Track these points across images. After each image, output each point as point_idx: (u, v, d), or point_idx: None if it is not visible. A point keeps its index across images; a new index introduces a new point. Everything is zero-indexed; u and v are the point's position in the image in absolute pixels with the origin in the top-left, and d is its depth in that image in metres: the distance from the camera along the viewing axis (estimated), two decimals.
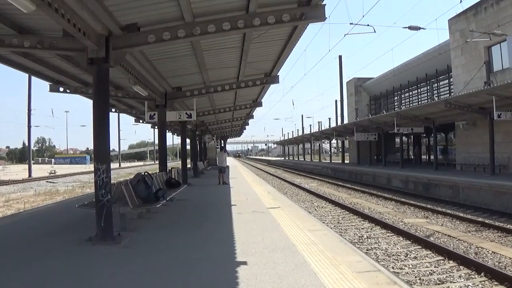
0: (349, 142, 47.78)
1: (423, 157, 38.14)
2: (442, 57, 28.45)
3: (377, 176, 27.13)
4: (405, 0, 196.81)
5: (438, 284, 6.70)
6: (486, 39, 21.41)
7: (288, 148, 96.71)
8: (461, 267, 7.49)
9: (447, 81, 31.89)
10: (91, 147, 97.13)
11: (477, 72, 23.61)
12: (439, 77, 32.93)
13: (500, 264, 7.72)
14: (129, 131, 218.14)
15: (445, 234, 10.41)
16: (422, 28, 20.25)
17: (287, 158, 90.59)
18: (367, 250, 8.95)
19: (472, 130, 24.16)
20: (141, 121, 24.67)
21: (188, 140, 31.78)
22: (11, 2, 5.00)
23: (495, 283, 6.59)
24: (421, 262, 7.92)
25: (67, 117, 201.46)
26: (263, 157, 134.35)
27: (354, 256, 6.04)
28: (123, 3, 7.20)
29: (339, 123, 49.15)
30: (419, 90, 36.88)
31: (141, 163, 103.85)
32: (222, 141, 52.09)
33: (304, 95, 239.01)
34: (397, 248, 9.12)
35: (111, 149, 8.79)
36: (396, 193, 19.91)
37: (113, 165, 39.67)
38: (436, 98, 29.77)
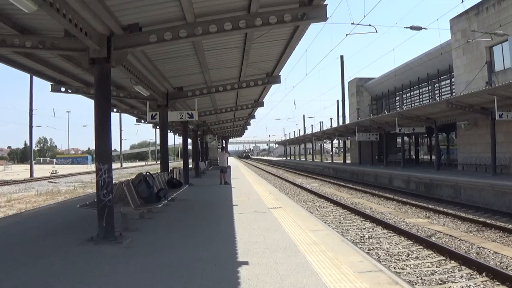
0: (350, 142, 47.81)
1: (425, 157, 38.13)
2: (443, 57, 28.44)
3: (378, 176, 27.10)
4: (407, 0, 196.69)
5: (440, 284, 6.69)
6: (488, 39, 21.40)
7: (290, 148, 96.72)
8: (462, 267, 7.48)
9: (448, 81, 31.88)
10: (92, 147, 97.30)
11: (479, 72, 23.59)
12: (441, 77, 32.91)
13: (501, 264, 7.71)
14: (131, 131, 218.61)
15: (447, 234, 10.40)
16: (424, 28, 20.26)
17: (288, 158, 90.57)
18: (368, 250, 8.94)
19: (474, 130, 24.15)
20: (142, 121, 24.70)
21: (189, 140, 31.79)
22: (12, 2, 5.00)
23: (497, 283, 6.58)
24: (423, 262, 7.91)
25: (69, 117, 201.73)
26: (265, 157, 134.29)
27: (356, 256, 6.03)
28: (124, 3, 7.21)
29: (340, 123, 49.14)
30: (420, 90, 36.87)
31: (142, 163, 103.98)
32: (224, 141, 52.03)
33: (305, 95, 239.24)
34: (399, 248, 9.11)
35: (112, 149, 8.78)
36: (398, 193, 19.89)
37: (115, 165, 39.72)
38: (438, 98, 29.75)
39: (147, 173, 10.14)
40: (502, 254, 8.35)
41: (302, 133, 74.95)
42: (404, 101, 39.03)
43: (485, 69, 23.10)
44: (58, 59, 10.90)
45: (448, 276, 6.99)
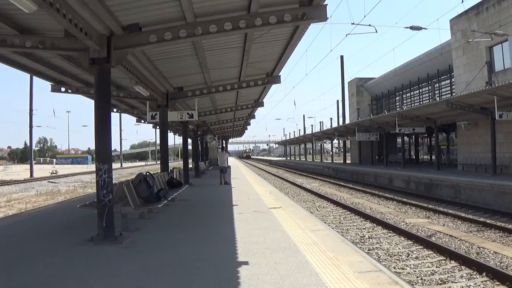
0: (350, 142, 47.82)
1: (425, 157, 38.13)
2: (443, 57, 28.44)
3: (378, 176, 27.10)
4: (407, 0, 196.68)
5: (440, 284, 6.69)
6: (488, 39, 21.39)
7: (290, 148, 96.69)
8: (462, 267, 7.48)
9: (448, 81, 31.89)
10: (92, 147, 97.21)
11: (479, 72, 23.59)
12: (441, 77, 32.92)
13: (501, 264, 7.71)
14: (131, 131, 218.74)
15: (447, 234, 10.40)
16: (424, 28, 20.21)
17: (288, 158, 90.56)
18: (368, 250, 8.94)
19: (474, 130, 24.15)
20: (142, 121, 24.71)
21: (189, 140, 31.80)
22: (12, 2, 5.00)
23: (497, 283, 6.58)
24: (423, 262, 7.91)
25: (69, 117, 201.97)
26: (265, 157, 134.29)
27: (356, 256, 6.03)
28: (124, 3, 7.21)
29: (340, 123, 49.14)
30: (420, 90, 36.87)
31: (142, 163, 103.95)
32: (224, 141, 52.04)
33: (305, 95, 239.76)
34: (399, 248, 9.11)
35: (112, 149, 8.79)
36: (398, 193, 19.89)
37: (115, 165, 39.68)
38: (438, 98, 29.74)
39: (147, 173, 10.15)
40: (502, 254, 8.35)
41: (302, 133, 74.96)
42: (404, 101, 39.02)
43: (485, 69, 23.10)
44: (58, 59, 10.90)
45: (448, 276, 6.99)
